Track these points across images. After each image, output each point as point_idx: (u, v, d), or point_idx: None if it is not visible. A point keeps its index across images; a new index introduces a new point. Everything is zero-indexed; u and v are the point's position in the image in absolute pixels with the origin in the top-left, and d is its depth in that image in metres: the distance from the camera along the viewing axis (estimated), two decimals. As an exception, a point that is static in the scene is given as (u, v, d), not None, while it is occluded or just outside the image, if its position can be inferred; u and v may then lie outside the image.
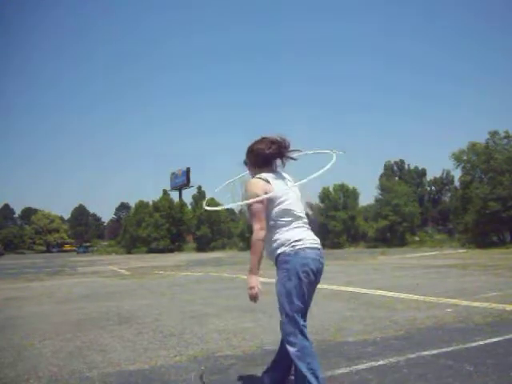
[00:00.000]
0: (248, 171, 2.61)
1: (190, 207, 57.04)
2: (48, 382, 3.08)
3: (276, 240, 2.34)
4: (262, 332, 4.30)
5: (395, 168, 56.00)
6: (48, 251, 73.44)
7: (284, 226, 2.34)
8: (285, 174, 2.51)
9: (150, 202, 54.19)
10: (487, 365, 2.98)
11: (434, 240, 35.93)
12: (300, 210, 2.42)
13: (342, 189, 42.77)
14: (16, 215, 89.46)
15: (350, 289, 7.38)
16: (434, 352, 3.34)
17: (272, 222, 2.34)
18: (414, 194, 43.26)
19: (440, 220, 52.26)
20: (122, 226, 59.81)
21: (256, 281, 2.28)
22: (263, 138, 2.51)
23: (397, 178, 50.29)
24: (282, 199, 2.34)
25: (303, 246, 2.30)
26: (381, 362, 3.13)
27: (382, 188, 40.78)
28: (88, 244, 70.05)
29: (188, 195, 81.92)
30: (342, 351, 3.50)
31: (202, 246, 48.03)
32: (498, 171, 26.39)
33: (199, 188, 58.67)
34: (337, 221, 40.42)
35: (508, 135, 27.96)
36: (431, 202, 55.36)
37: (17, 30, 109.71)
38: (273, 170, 2.47)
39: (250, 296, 2.33)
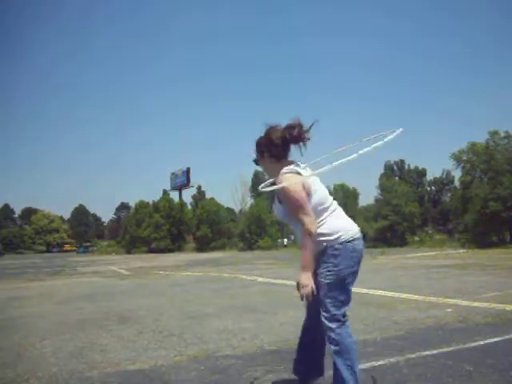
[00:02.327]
0: (264, 169, 2.44)
1: (189, 207, 57.06)
2: (48, 382, 3.07)
3: (321, 231, 2.20)
4: (262, 332, 4.30)
5: (395, 168, 56.06)
6: (48, 251, 73.36)
7: (326, 214, 2.23)
8: (300, 163, 2.35)
9: (150, 202, 54.21)
10: (487, 365, 2.98)
11: (434, 240, 36.00)
12: (329, 197, 2.32)
13: (342, 189, 42.81)
14: (16, 215, 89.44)
15: (350, 289, 7.34)
16: (434, 352, 3.33)
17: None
18: (414, 194, 43.31)
19: (440, 220, 52.29)
20: (122, 226, 59.80)
21: (310, 278, 2.17)
22: (272, 127, 2.33)
23: (397, 178, 50.31)
24: (315, 188, 2.23)
25: (350, 238, 2.22)
26: (381, 362, 3.12)
27: (382, 188, 40.81)
28: (88, 244, 70.01)
29: (188, 195, 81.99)
30: (342, 351, 3.49)
31: (202, 246, 48.02)
32: (498, 171, 26.40)
33: (199, 188, 58.77)
34: (337, 221, 40.40)
35: (508, 135, 28.00)
36: (431, 202, 55.41)
37: (16, 29, 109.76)
38: (292, 161, 2.32)
39: (302, 295, 2.19)
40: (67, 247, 74.83)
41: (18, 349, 4.05)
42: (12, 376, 3.22)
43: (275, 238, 45.18)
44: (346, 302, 2.25)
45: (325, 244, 2.21)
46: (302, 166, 2.33)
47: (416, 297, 6.25)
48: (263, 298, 6.96)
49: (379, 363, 3.11)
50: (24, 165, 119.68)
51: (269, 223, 45.41)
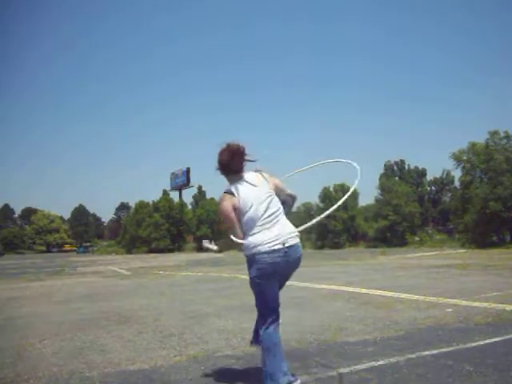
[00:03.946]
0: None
1: (189, 207, 57.04)
2: (48, 381, 3.08)
3: (244, 243, 2.59)
4: (262, 332, 4.29)
5: (395, 168, 56.00)
6: (48, 251, 73.42)
7: (254, 229, 2.57)
8: (251, 176, 2.66)
9: (150, 202, 54.20)
10: (487, 365, 2.98)
11: (434, 240, 35.98)
12: (263, 210, 2.57)
13: (342, 189, 42.79)
14: (16, 215, 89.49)
15: (350, 289, 7.36)
16: (434, 352, 3.34)
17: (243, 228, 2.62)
18: (414, 194, 43.30)
19: (440, 220, 52.26)
20: (122, 226, 59.79)
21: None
22: (225, 146, 2.67)
23: (397, 178, 50.28)
24: (246, 209, 2.56)
25: (261, 251, 2.51)
26: (381, 362, 3.13)
27: (382, 188, 40.80)
28: (88, 244, 70.06)
29: (188, 195, 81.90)
30: (341, 351, 3.50)
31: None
32: (498, 171, 26.40)
33: (199, 188, 58.68)
34: (337, 221, 40.45)
35: (508, 135, 27.98)
36: (431, 202, 55.35)
37: (15, 28, 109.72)
38: (240, 177, 2.65)
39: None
40: (67, 247, 74.87)
41: (18, 349, 4.05)
42: (12, 376, 3.22)
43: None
44: (258, 307, 2.67)
45: (244, 253, 2.60)
46: (250, 178, 2.64)
47: (416, 297, 6.25)
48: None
49: (379, 363, 3.11)
50: (24, 165, 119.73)
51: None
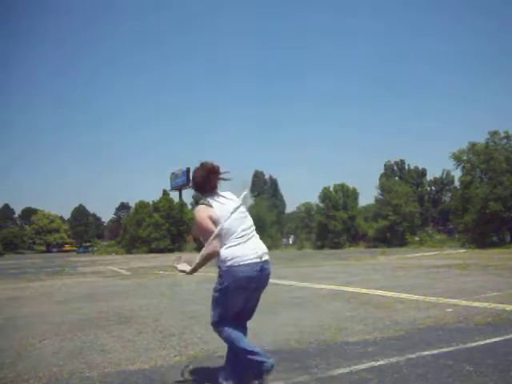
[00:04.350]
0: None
1: (189, 207, 56.98)
2: (48, 381, 3.08)
3: (219, 255, 2.63)
4: (262, 332, 4.29)
5: (395, 168, 56.03)
6: (48, 251, 73.37)
7: (229, 242, 2.62)
8: (225, 194, 2.77)
9: (150, 202, 54.20)
10: (487, 365, 2.98)
11: (434, 240, 35.99)
12: (239, 223, 2.65)
13: (342, 189, 42.83)
14: (16, 215, 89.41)
15: (350, 289, 7.36)
16: (434, 352, 3.34)
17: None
18: (414, 194, 43.32)
19: (440, 220, 52.29)
20: (122, 225, 59.78)
21: (187, 268, 2.79)
22: (200, 165, 2.80)
23: (397, 178, 50.31)
24: (222, 221, 2.62)
25: (236, 264, 2.57)
26: (381, 362, 3.13)
27: (382, 188, 40.83)
28: (88, 244, 70.01)
29: (188, 195, 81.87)
30: (341, 351, 3.50)
31: (202, 246, 47.86)
32: (498, 171, 26.40)
33: (199, 188, 58.53)
34: (337, 221, 40.47)
35: (508, 135, 28.01)
36: (431, 202, 55.39)
37: (17, 25, 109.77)
38: (215, 193, 2.76)
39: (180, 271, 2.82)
40: (67, 247, 74.82)
41: (18, 349, 4.05)
42: (12, 376, 3.22)
43: (275, 238, 45.19)
44: (222, 316, 2.67)
45: (218, 265, 2.65)
46: (224, 196, 2.74)
47: (416, 297, 6.25)
48: (263, 297, 6.95)
49: (379, 363, 3.11)
50: (24, 165, 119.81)
51: (269, 223, 45.41)
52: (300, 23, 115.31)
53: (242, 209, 2.73)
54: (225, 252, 2.60)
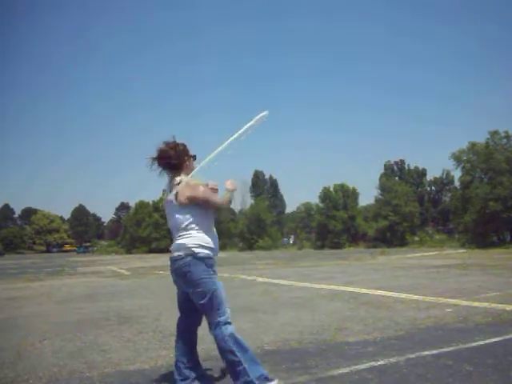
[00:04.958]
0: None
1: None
2: (48, 382, 3.08)
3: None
4: (262, 332, 4.30)
5: (395, 168, 56.05)
6: (48, 251, 73.39)
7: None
8: (178, 181, 2.92)
9: (150, 202, 54.20)
10: (487, 365, 2.98)
11: (434, 240, 35.99)
12: (172, 222, 2.83)
13: (342, 189, 42.83)
14: (16, 215, 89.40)
15: (350, 289, 7.37)
16: (434, 352, 3.34)
17: None
18: (413, 194, 43.31)
19: (440, 220, 52.30)
20: (122, 225, 59.80)
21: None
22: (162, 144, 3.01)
23: (397, 178, 50.31)
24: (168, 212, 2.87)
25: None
26: (381, 362, 3.13)
27: (382, 188, 40.83)
28: (88, 244, 70.02)
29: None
30: (341, 351, 3.50)
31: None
32: (498, 171, 26.40)
33: (199, 188, 58.55)
34: (337, 221, 40.46)
35: (508, 135, 28.00)
36: (431, 202, 55.37)
37: (19, 23, 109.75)
38: (174, 177, 2.96)
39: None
40: (67, 247, 74.83)
41: (18, 349, 4.05)
42: (12, 376, 3.22)
43: (275, 238, 45.19)
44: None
45: (186, 253, 2.71)
46: (172, 183, 2.94)
47: (416, 297, 6.26)
48: (263, 297, 6.97)
49: (379, 363, 3.11)
50: (24, 164, 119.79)
51: (269, 223, 45.42)
52: (301, 29, 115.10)
53: (172, 202, 2.94)
54: (202, 239, 2.73)
